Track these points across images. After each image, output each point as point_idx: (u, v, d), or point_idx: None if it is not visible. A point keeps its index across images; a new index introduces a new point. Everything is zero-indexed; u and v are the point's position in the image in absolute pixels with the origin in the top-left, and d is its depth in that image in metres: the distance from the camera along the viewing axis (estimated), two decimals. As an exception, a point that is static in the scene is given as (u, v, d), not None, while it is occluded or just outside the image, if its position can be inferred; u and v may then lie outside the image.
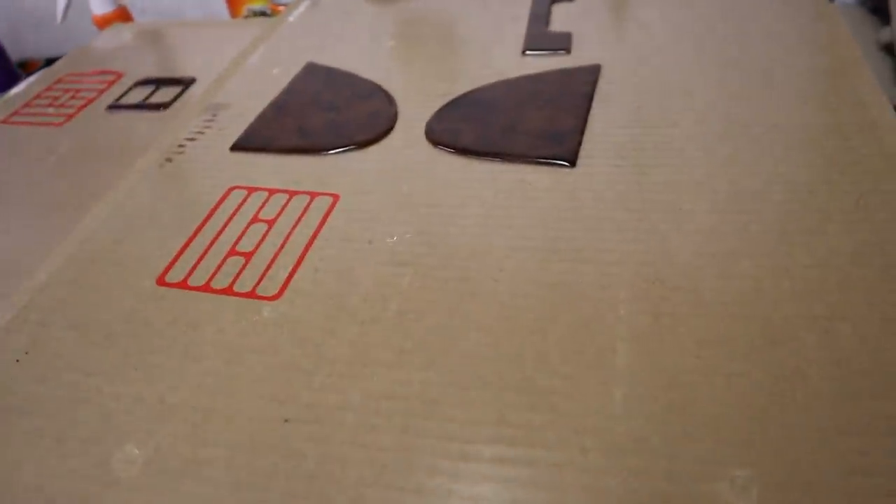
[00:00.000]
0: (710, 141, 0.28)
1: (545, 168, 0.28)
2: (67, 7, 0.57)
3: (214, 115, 0.34)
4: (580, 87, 0.32)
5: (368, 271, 0.24)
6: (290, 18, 0.44)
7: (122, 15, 0.56)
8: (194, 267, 0.26)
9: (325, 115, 0.33)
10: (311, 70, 0.37)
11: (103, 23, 0.55)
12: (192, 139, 0.33)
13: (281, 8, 0.57)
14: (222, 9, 0.66)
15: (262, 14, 0.61)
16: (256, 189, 0.29)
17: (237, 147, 0.32)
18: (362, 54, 0.38)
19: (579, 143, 0.29)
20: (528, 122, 0.30)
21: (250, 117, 0.34)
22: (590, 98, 0.31)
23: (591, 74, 0.33)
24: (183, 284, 0.25)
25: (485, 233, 0.25)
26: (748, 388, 0.19)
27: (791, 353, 0.20)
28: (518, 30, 0.39)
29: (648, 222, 0.25)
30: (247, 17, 0.62)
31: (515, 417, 0.19)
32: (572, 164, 0.28)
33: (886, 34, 0.52)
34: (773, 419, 0.18)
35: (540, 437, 0.19)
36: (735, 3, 0.38)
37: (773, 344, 0.20)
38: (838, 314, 0.21)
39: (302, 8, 0.45)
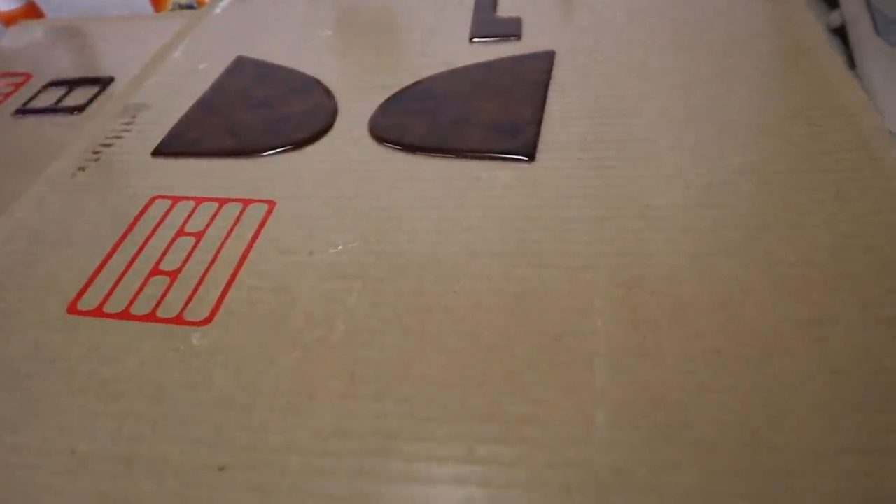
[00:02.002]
0: (675, 130, 0.26)
1: (502, 164, 0.25)
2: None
3: (133, 117, 0.31)
4: (534, 76, 0.30)
5: (310, 287, 0.22)
6: (217, 10, 0.40)
7: (32, 11, 0.51)
8: (111, 290, 0.22)
9: (257, 113, 0.30)
10: (241, 64, 0.34)
11: (9, 20, 0.51)
12: (108, 144, 0.29)
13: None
14: (146, 4, 0.61)
15: (189, 7, 0.57)
16: (182, 198, 0.26)
17: (159, 151, 0.28)
18: (296, 46, 0.35)
19: (537, 136, 0.26)
20: (480, 115, 0.28)
21: (174, 118, 0.30)
22: (545, 87, 0.29)
23: (545, 62, 0.31)
24: (98, 311, 0.22)
25: (439, 239, 0.23)
26: (739, 406, 0.17)
27: (783, 364, 0.18)
28: (464, 16, 0.36)
29: (618, 221, 0.22)
30: (172, 10, 0.58)
31: (485, 452, 0.17)
32: (531, 158, 0.25)
33: (836, 17, 0.52)
34: (768, 441, 0.16)
35: (515, 476, 0.16)
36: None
37: (764, 354, 0.18)
38: (829, 317, 0.19)
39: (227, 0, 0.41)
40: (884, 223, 0.21)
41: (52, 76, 0.39)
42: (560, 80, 0.30)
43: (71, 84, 0.38)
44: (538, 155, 0.26)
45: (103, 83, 0.37)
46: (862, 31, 0.49)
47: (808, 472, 0.16)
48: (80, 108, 0.35)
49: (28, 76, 0.40)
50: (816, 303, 0.19)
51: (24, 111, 0.36)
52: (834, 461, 0.16)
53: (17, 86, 0.39)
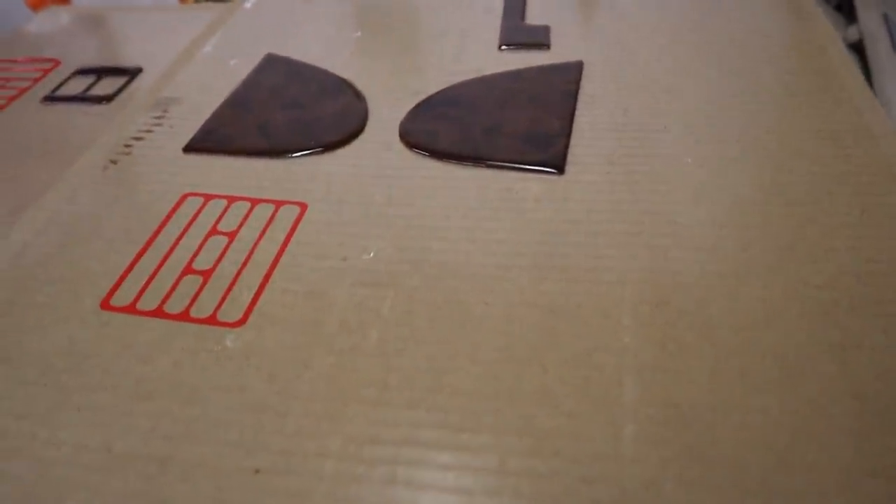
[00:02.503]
0: (703, 147, 0.26)
1: (532, 175, 0.26)
2: (-4, -14, 0.52)
3: (165, 111, 0.31)
4: (563, 86, 0.30)
5: (344, 292, 0.22)
6: (247, 4, 0.40)
7: (58, -4, 0.51)
8: (144, 287, 0.23)
9: (288, 112, 0.30)
10: (271, 62, 0.34)
11: (37, 5, 0.51)
12: (139, 138, 0.30)
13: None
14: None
15: (214, -2, 0.57)
16: (214, 196, 0.26)
17: (191, 148, 0.29)
18: (326, 45, 0.35)
19: (566, 148, 0.27)
20: (510, 124, 0.28)
21: (205, 114, 0.31)
22: (574, 98, 0.29)
23: (574, 72, 0.31)
24: (131, 308, 0.22)
25: (472, 248, 0.23)
26: (766, 425, 0.18)
27: (809, 387, 0.18)
28: (492, 21, 0.36)
29: (647, 237, 0.23)
30: (198, 0, 0.58)
31: (517, 464, 0.17)
32: (560, 170, 0.26)
33: (854, 32, 0.52)
34: (795, 460, 0.17)
35: (546, 488, 0.17)
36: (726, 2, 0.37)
37: (790, 375, 0.19)
38: (854, 341, 0.19)
39: (258, -7, 0.42)
40: (911, 250, 0.22)
41: (79, 64, 0.40)
42: (589, 91, 0.30)
43: (99, 73, 0.38)
44: (567, 167, 0.26)
45: (132, 74, 0.37)
46: (879, 48, 0.50)
47: (837, 492, 0.16)
48: (108, 98, 0.35)
49: (56, 62, 0.40)
50: (843, 326, 0.20)
51: (53, 98, 0.36)
52: (862, 483, 0.16)
53: (46, 72, 0.39)
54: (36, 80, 0.39)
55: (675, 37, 0.33)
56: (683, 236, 0.23)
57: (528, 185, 0.25)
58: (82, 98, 0.36)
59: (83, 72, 0.38)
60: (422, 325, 0.21)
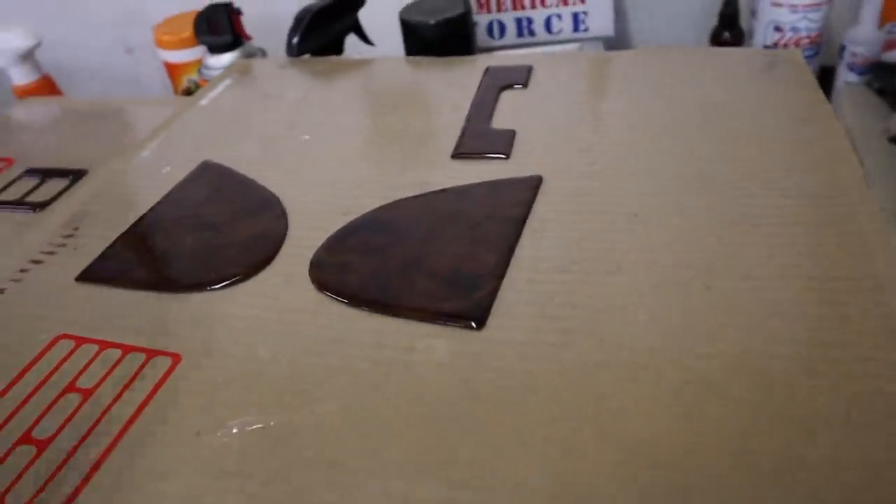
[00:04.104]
0: (660, 296, 0.22)
1: (443, 329, 0.21)
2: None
3: (76, 229, 0.29)
4: (511, 210, 0.26)
5: (182, 482, 0.18)
6: (203, 101, 0.38)
7: (47, 86, 0.50)
8: (-34, 461, 0.19)
9: (199, 236, 0.27)
10: (205, 171, 0.31)
11: (25, 95, 0.50)
12: (38, 261, 0.27)
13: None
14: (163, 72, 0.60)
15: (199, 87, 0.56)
16: (87, 340, 0.23)
17: (84, 277, 0.26)
18: (269, 150, 0.32)
19: (494, 293, 0.22)
20: (435, 259, 0.24)
21: (117, 232, 0.28)
22: (521, 224, 0.25)
23: (529, 190, 0.27)
24: (-63, 494, 0.19)
25: (347, 433, 0.19)
26: None
27: None
28: (456, 123, 0.33)
29: (566, 430, 0.18)
30: (186, 87, 0.57)
31: None
32: (479, 324, 0.21)
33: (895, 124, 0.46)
34: None
35: None
36: (723, 100, 0.32)
37: None
38: None
39: (220, 88, 0.39)
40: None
41: (34, 162, 0.38)
42: (540, 214, 0.26)
43: (44, 175, 0.36)
44: (491, 319, 0.21)
45: (75, 176, 0.35)
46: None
47: None
48: (42, 206, 0.33)
49: (10, 161, 0.38)
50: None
51: (-10, 202, 0.34)
52: None
53: (-1, 171, 0.38)
54: (-15, 180, 0.37)
55: (659, 150, 0.29)
56: (613, 429, 0.18)
57: (436, 342, 0.21)
58: (17, 204, 0.34)
59: (31, 172, 0.36)
60: (256, 544, 0.16)
